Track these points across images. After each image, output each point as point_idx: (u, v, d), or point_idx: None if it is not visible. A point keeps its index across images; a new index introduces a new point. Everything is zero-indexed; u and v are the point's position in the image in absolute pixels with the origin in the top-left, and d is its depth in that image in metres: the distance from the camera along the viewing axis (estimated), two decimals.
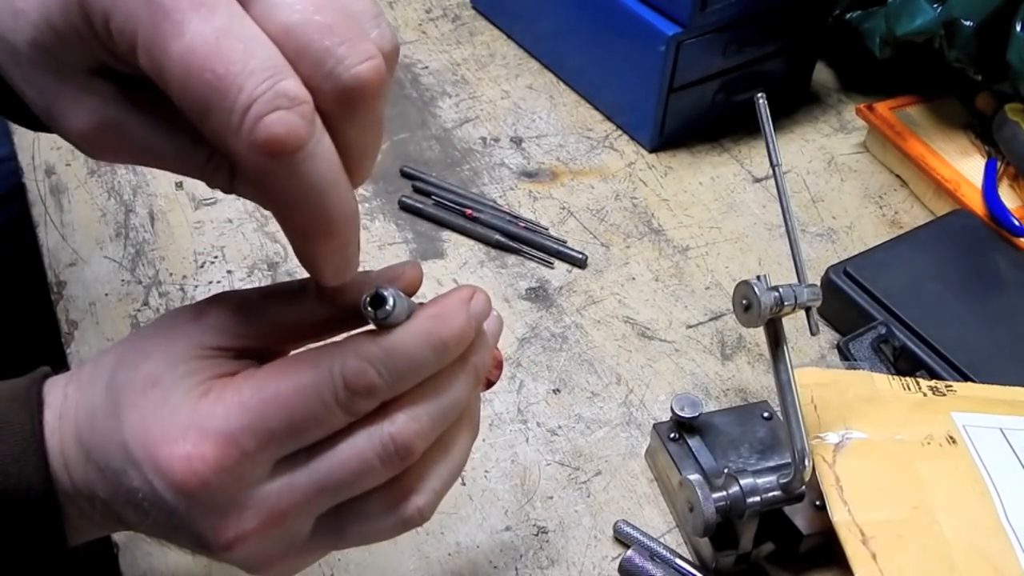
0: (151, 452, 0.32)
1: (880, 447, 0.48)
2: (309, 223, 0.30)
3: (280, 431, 0.32)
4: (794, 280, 0.47)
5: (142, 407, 0.33)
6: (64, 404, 0.36)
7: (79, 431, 0.35)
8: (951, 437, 0.49)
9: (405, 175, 0.71)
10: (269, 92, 0.27)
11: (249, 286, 0.60)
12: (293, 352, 0.34)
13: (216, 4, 0.27)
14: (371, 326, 0.34)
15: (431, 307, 0.34)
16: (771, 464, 0.50)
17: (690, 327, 0.62)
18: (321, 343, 0.34)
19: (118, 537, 0.49)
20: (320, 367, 0.32)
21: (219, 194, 0.69)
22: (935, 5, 0.67)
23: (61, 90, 0.31)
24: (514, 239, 0.67)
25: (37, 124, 0.37)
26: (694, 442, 0.51)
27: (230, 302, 0.35)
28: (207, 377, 0.33)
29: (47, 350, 0.61)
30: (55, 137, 0.45)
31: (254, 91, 0.27)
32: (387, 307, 0.32)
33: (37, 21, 0.30)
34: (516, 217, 0.68)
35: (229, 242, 0.66)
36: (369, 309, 0.33)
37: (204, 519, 0.33)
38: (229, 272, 0.64)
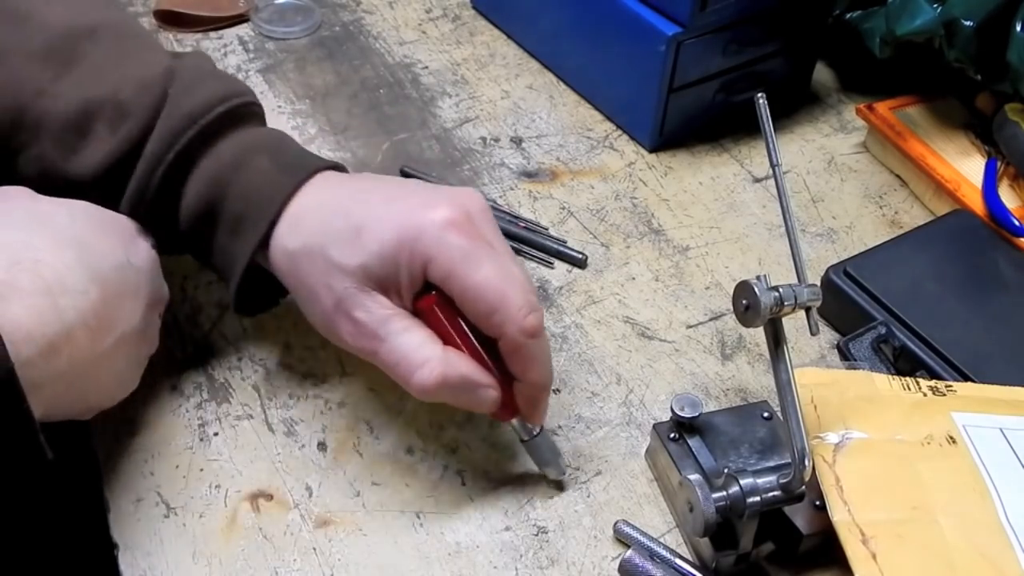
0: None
1: (880, 447, 0.48)
2: (540, 375, 0.49)
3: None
4: (794, 280, 0.47)
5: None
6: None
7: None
8: (951, 437, 0.49)
9: (405, 175, 0.71)
10: (529, 306, 0.46)
11: None
12: None
13: (492, 254, 0.47)
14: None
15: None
16: (771, 464, 0.50)
17: (690, 327, 0.62)
18: None
19: (118, 537, 0.49)
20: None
21: None
22: (935, 5, 0.67)
23: (352, 293, 0.47)
24: (514, 239, 0.67)
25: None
26: (694, 442, 0.51)
27: None
28: None
29: None
30: None
31: (523, 304, 0.46)
32: (535, 433, 0.51)
33: (375, 251, 0.47)
34: (516, 217, 0.68)
35: None
36: (525, 437, 0.51)
37: None
38: None
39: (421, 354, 0.47)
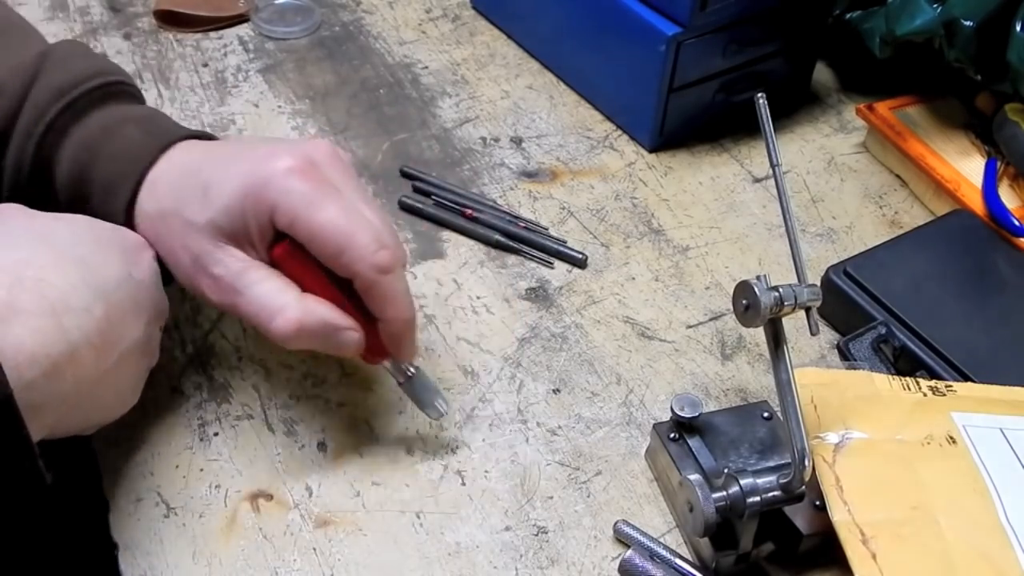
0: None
1: (880, 447, 0.48)
2: (398, 312, 0.49)
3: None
4: (794, 280, 0.48)
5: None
6: None
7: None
8: (951, 437, 0.49)
9: (405, 175, 0.71)
10: (378, 243, 0.47)
11: None
12: None
13: (337, 197, 0.47)
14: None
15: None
16: (771, 464, 0.50)
17: (690, 327, 0.62)
18: None
19: (118, 537, 0.49)
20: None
21: None
22: (935, 5, 0.67)
23: (208, 250, 0.48)
24: (514, 239, 0.67)
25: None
26: (694, 442, 0.51)
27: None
28: None
29: None
30: None
31: (371, 242, 0.47)
32: (410, 373, 0.52)
33: (221, 206, 0.47)
34: (516, 217, 0.68)
35: None
36: (401, 379, 0.52)
37: None
38: None
39: (278, 301, 0.47)
